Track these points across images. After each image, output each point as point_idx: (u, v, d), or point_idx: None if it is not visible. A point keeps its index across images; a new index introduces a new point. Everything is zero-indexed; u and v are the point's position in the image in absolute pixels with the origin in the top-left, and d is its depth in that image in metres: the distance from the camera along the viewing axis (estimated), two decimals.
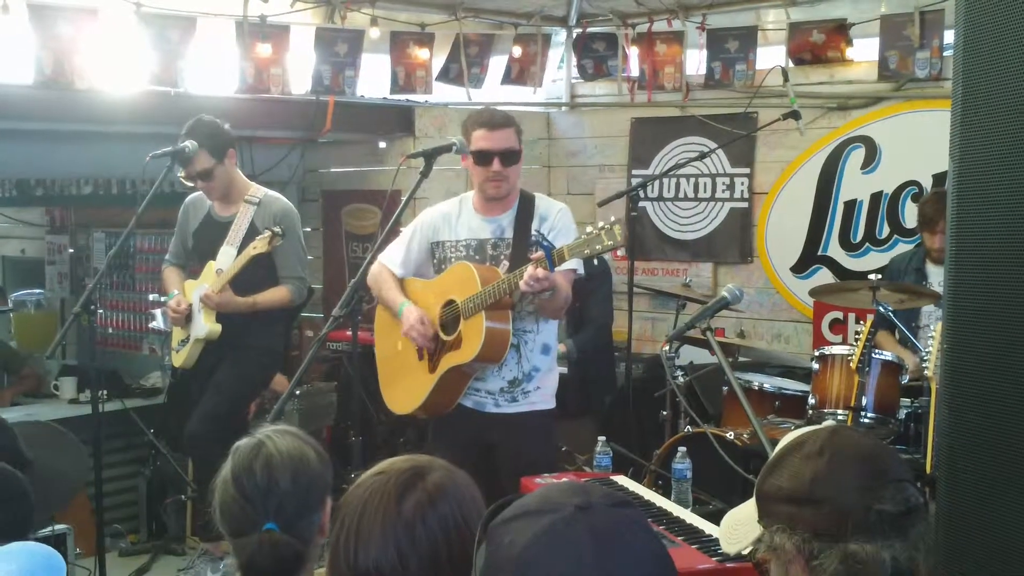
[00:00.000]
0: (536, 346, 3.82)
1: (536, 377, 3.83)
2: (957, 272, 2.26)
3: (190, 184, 4.64)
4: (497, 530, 1.41)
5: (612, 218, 3.35)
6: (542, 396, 3.87)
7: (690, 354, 5.39)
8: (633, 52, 6.49)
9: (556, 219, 3.81)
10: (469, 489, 1.75)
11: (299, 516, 2.00)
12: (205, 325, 4.59)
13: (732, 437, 4.31)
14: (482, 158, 3.73)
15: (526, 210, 3.82)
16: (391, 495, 1.67)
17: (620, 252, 6.34)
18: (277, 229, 4.37)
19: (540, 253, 3.41)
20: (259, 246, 4.38)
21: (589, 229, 3.36)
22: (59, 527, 4.33)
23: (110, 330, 6.48)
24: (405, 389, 3.91)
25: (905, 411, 4.29)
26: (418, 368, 3.84)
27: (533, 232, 3.74)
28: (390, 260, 3.96)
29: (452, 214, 3.91)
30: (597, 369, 5.54)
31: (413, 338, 3.77)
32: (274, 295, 4.63)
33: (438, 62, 6.23)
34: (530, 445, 3.82)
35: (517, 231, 3.79)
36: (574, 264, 3.60)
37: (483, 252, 3.82)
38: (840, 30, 5.80)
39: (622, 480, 3.47)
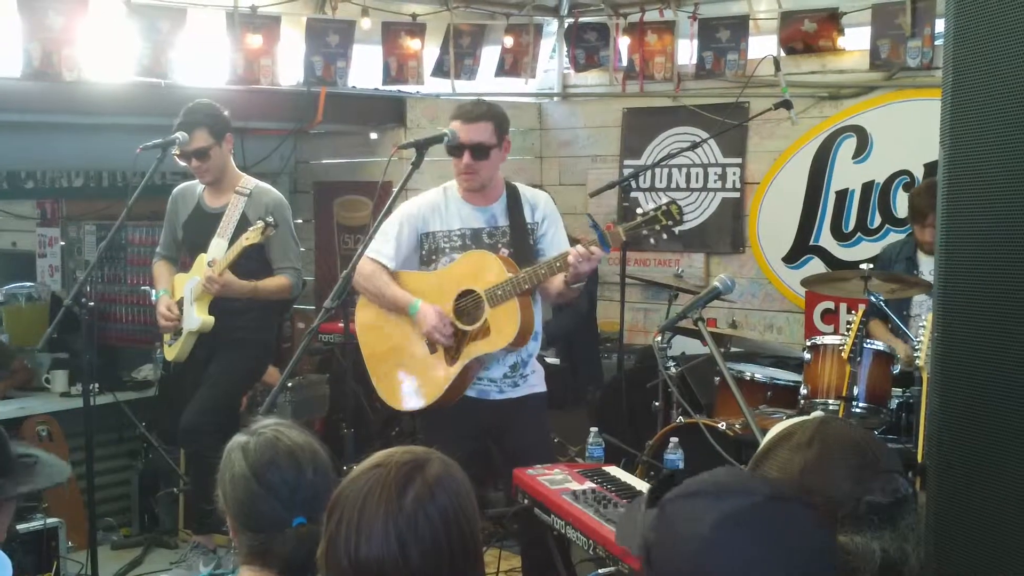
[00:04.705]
0: None
1: (530, 361, 3.93)
2: (947, 260, 2.25)
3: (183, 164, 4.59)
4: (673, 504, 1.43)
5: (666, 198, 3.51)
6: (538, 379, 3.98)
7: (682, 344, 5.39)
8: (624, 42, 6.47)
9: (545, 207, 3.93)
10: (464, 480, 1.77)
11: (322, 505, 2.01)
12: (198, 317, 4.57)
13: (724, 427, 4.31)
14: (453, 150, 3.77)
15: (515, 199, 3.87)
16: (392, 489, 1.68)
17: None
18: (270, 219, 4.35)
19: (593, 236, 3.50)
20: (252, 237, 4.35)
21: (644, 208, 3.47)
22: (51, 520, 4.34)
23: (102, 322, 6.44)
24: (418, 384, 3.84)
25: (897, 401, 4.30)
26: (432, 361, 3.79)
27: (528, 221, 3.85)
28: (383, 255, 3.84)
29: (440, 203, 3.89)
30: (583, 359, 5.54)
31: (436, 339, 3.73)
32: (275, 283, 4.62)
33: (430, 52, 6.21)
34: (535, 427, 3.94)
35: (512, 219, 3.84)
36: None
37: (479, 241, 3.83)
38: (832, 19, 5.79)
39: (614, 471, 3.47)
